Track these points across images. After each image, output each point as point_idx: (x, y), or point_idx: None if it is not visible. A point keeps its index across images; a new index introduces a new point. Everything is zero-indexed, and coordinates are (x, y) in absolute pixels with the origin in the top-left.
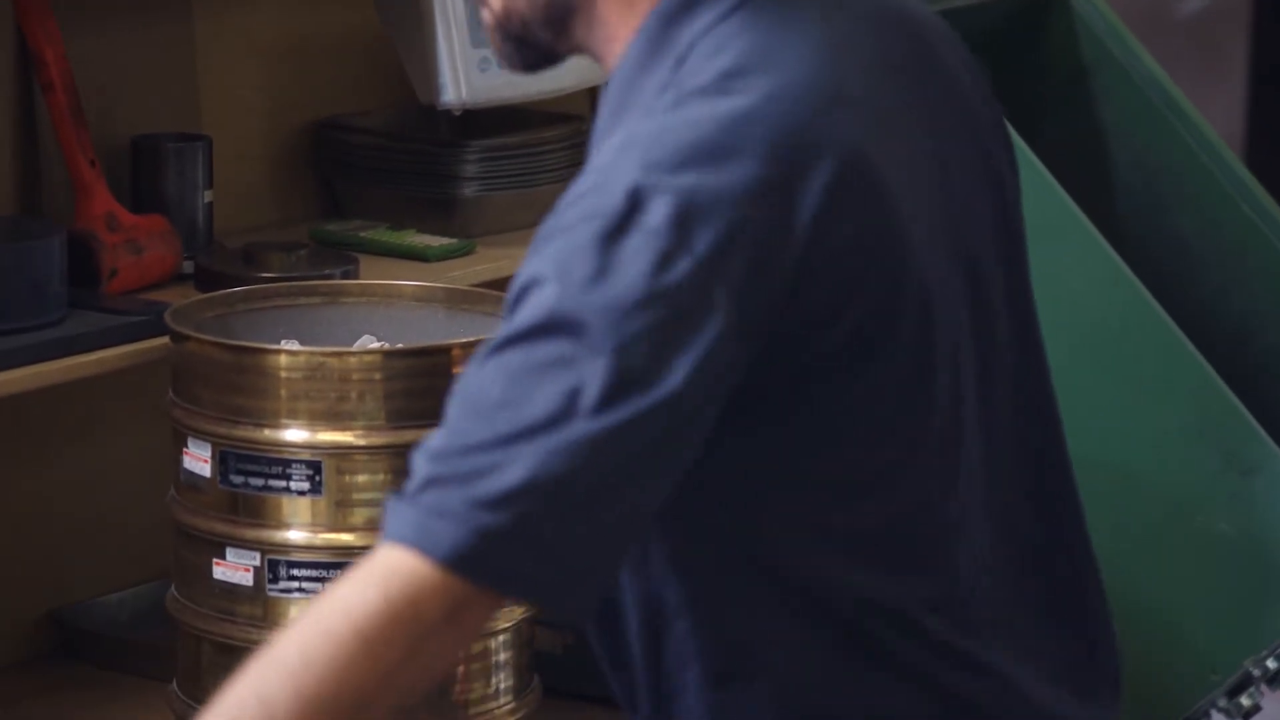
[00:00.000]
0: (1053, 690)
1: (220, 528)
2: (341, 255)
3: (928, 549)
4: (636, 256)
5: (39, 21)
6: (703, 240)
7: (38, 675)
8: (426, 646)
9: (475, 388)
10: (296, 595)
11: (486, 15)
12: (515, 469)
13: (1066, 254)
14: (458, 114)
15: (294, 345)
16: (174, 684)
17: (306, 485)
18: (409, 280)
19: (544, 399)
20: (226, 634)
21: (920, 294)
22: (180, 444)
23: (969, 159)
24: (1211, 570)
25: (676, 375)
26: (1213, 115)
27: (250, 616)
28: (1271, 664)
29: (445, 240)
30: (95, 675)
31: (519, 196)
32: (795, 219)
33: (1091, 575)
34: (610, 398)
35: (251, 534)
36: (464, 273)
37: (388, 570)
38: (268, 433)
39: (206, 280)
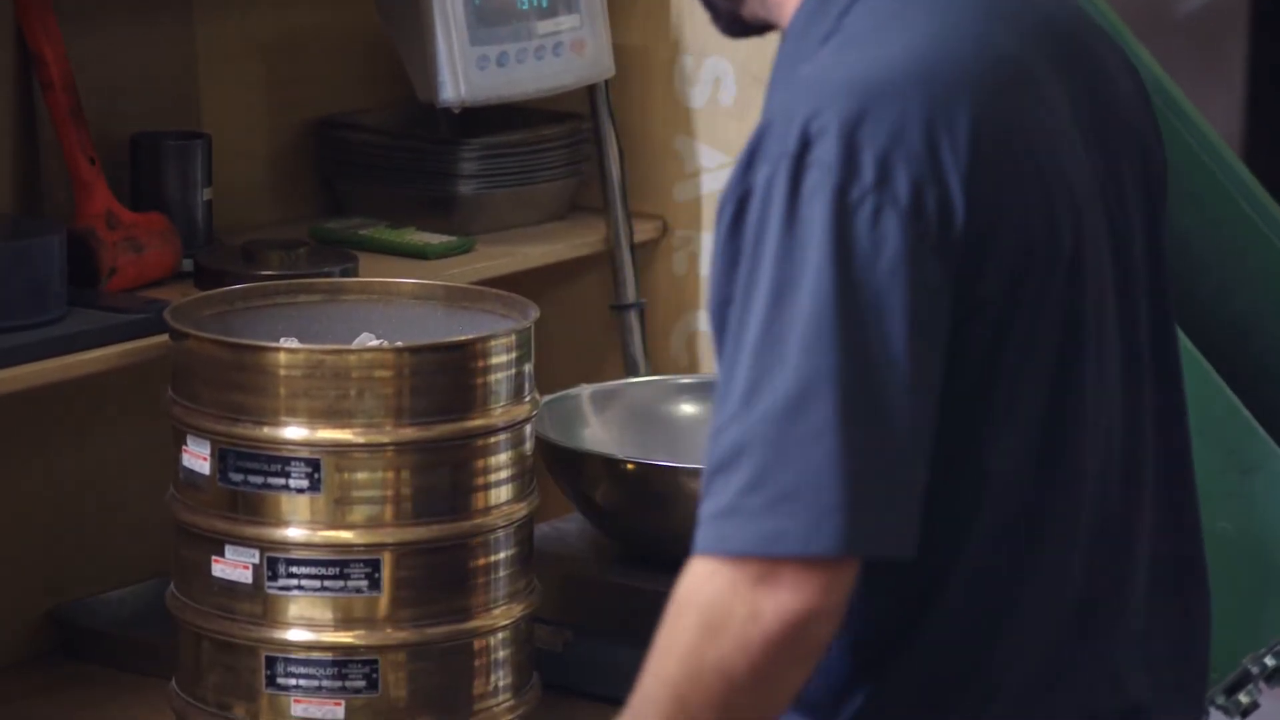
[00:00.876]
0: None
1: (219, 525)
2: (341, 253)
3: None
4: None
5: (39, 20)
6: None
7: (38, 673)
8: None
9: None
10: (295, 593)
11: None
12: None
13: None
14: (457, 112)
15: (293, 343)
16: (174, 682)
17: (305, 483)
18: (408, 278)
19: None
20: (226, 631)
21: (1065, 246)
22: (180, 442)
23: (1115, 128)
24: (1210, 568)
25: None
26: (1212, 114)
27: (250, 614)
28: (1270, 661)
29: (444, 238)
30: (95, 673)
31: (518, 194)
32: (943, 159)
33: (1202, 566)
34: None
35: (251, 531)
36: (463, 270)
37: None
38: (267, 430)
39: (206, 278)
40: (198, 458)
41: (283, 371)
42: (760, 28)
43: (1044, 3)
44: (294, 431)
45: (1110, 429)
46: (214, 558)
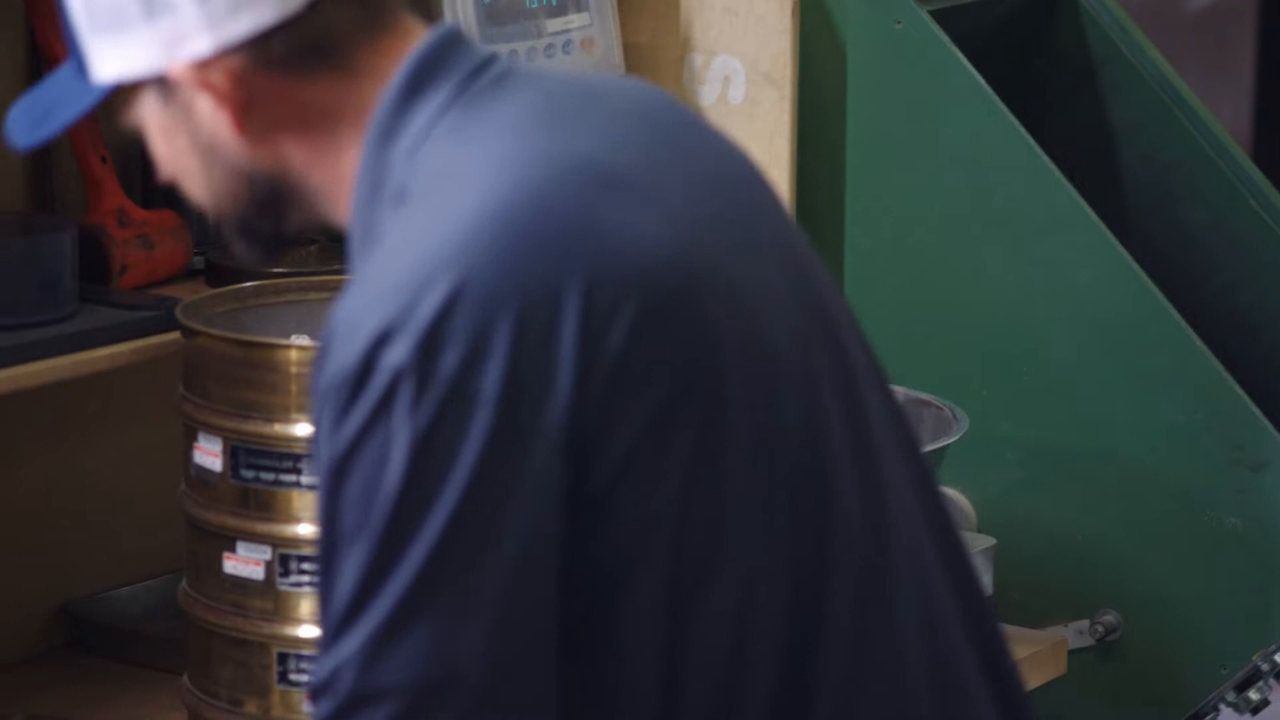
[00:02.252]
0: None
1: (231, 522)
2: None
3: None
4: None
5: (49, 17)
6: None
7: (50, 668)
8: None
9: None
10: (307, 589)
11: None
12: None
13: (1074, 249)
14: None
15: (304, 340)
16: (185, 677)
17: (317, 480)
18: None
19: None
20: (237, 628)
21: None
22: (191, 439)
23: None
24: (1220, 565)
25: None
26: (1220, 111)
27: (261, 610)
28: None
29: None
30: (107, 668)
31: None
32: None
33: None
34: None
35: (262, 528)
36: None
37: None
38: (278, 427)
39: (217, 275)
40: (209, 454)
41: (294, 369)
42: (294, 243)
43: (622, 94)
44: (306, 428)
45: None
46: (225, 554)
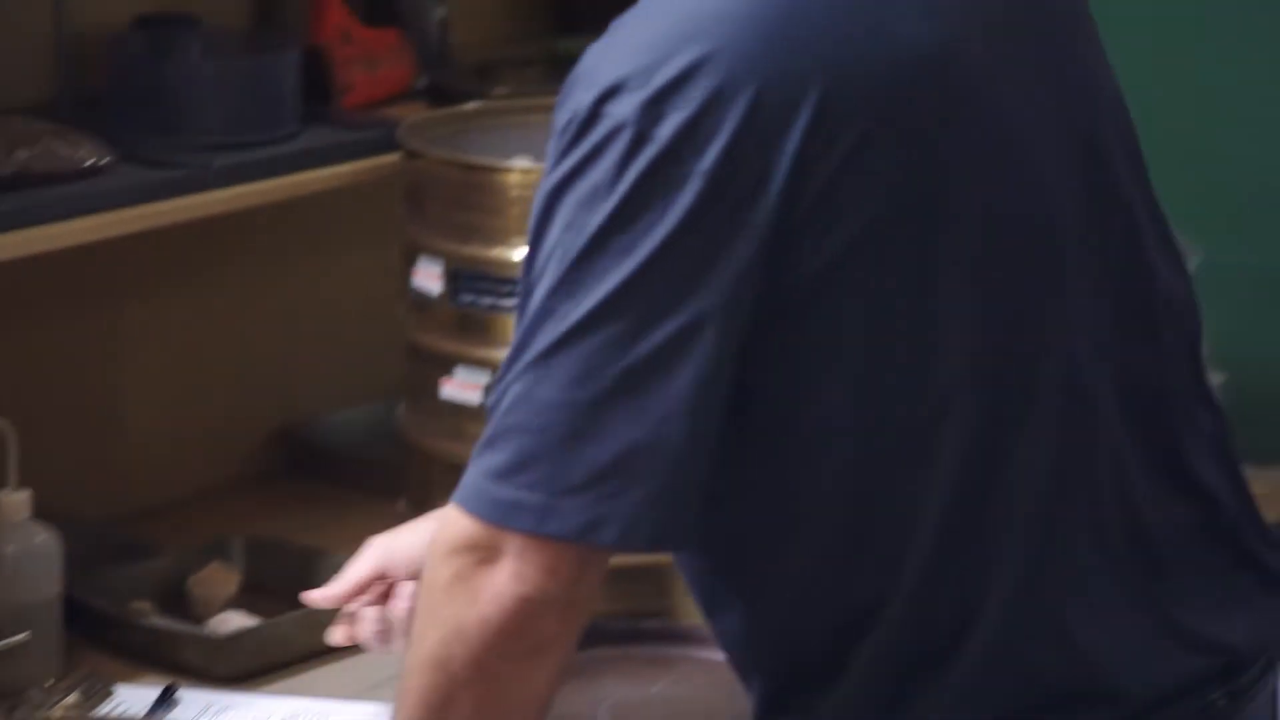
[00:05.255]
0: None
1: (450, 346)
2: None
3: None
4: None
5: None
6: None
7: (267, 490)
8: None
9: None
10: None
11: None
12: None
13: None
14: None
15: (526, 163)
16: (402, 502)
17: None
18: None
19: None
20: (455, 452)
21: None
22: (411, 261)
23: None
24: None
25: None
26: None
27: (478, 435)
28: None
29: None
30: (324, 492)
31: None
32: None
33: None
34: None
35: (480, 353)
36: None
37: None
38: (498, 251)
39: (440, 96)
40: (430, 278)
41: (515, 191)
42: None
43: None
44: (525, 252)
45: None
46: (444, 379)
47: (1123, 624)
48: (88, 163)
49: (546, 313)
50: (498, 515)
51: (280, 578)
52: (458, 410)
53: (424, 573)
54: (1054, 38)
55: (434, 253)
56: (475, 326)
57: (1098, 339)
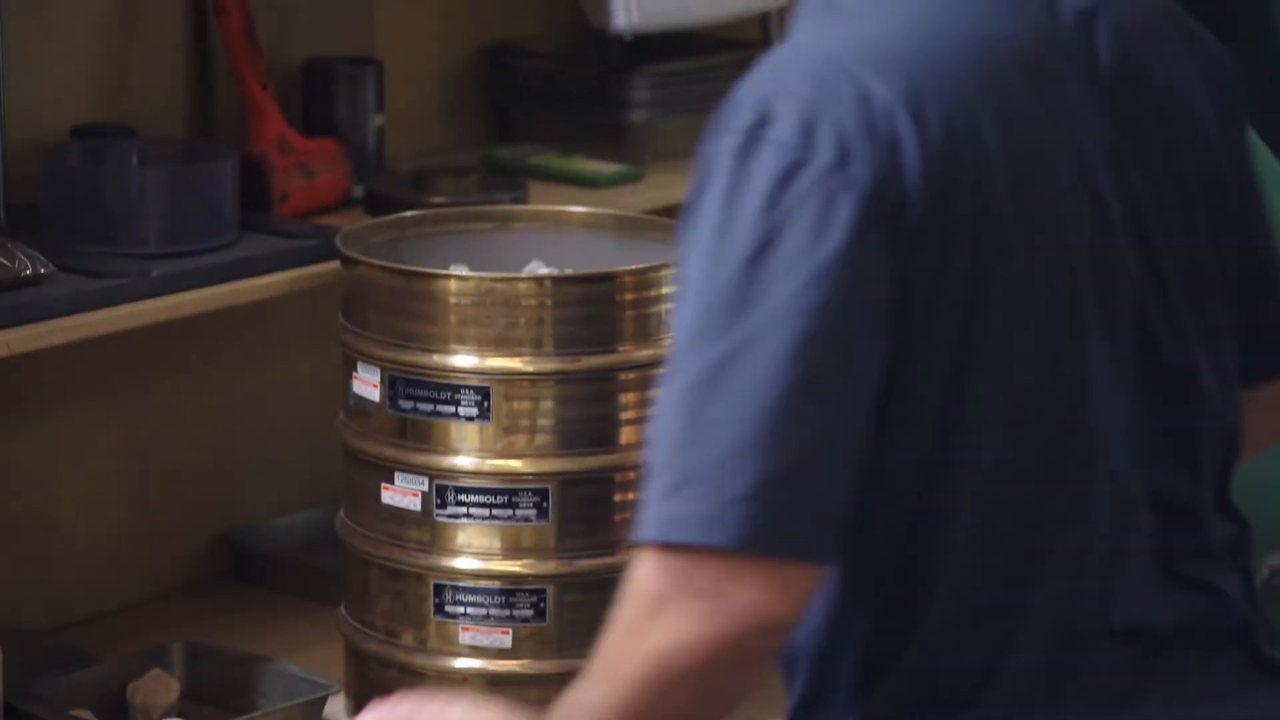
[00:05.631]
0: None
1: (389, 452)
2: (511, 180)
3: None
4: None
5: None
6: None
7: (207, 597)
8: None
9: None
10: (464, 520)
11: None
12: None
13: None
14: (628, 39)
15: (463, 270)
16: (342, 607)
17: (475, 411)
18: (578, 206)
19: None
20: (394, 558)
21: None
22: (350, 368)
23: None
24: None
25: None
26: None
27: (418, 541)
28: None
29: (615, 166)
30: (264, 598)
31: (689, 123)
32: (904, 150)
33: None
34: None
35: (420, 459)
36: (634, 199)
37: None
38: (437, 358)
39: (377, 205)
40: (368, 384)
41: (453, 299)
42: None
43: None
44: (464, 359)
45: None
46: (383, 485)
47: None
48: (26, 272)
49: (700, 335)
50: (665, 534)
51: (221, 685)
52: (398, 516)
53: (621, 608)
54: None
55: (372, 359)
56: (414, 433)
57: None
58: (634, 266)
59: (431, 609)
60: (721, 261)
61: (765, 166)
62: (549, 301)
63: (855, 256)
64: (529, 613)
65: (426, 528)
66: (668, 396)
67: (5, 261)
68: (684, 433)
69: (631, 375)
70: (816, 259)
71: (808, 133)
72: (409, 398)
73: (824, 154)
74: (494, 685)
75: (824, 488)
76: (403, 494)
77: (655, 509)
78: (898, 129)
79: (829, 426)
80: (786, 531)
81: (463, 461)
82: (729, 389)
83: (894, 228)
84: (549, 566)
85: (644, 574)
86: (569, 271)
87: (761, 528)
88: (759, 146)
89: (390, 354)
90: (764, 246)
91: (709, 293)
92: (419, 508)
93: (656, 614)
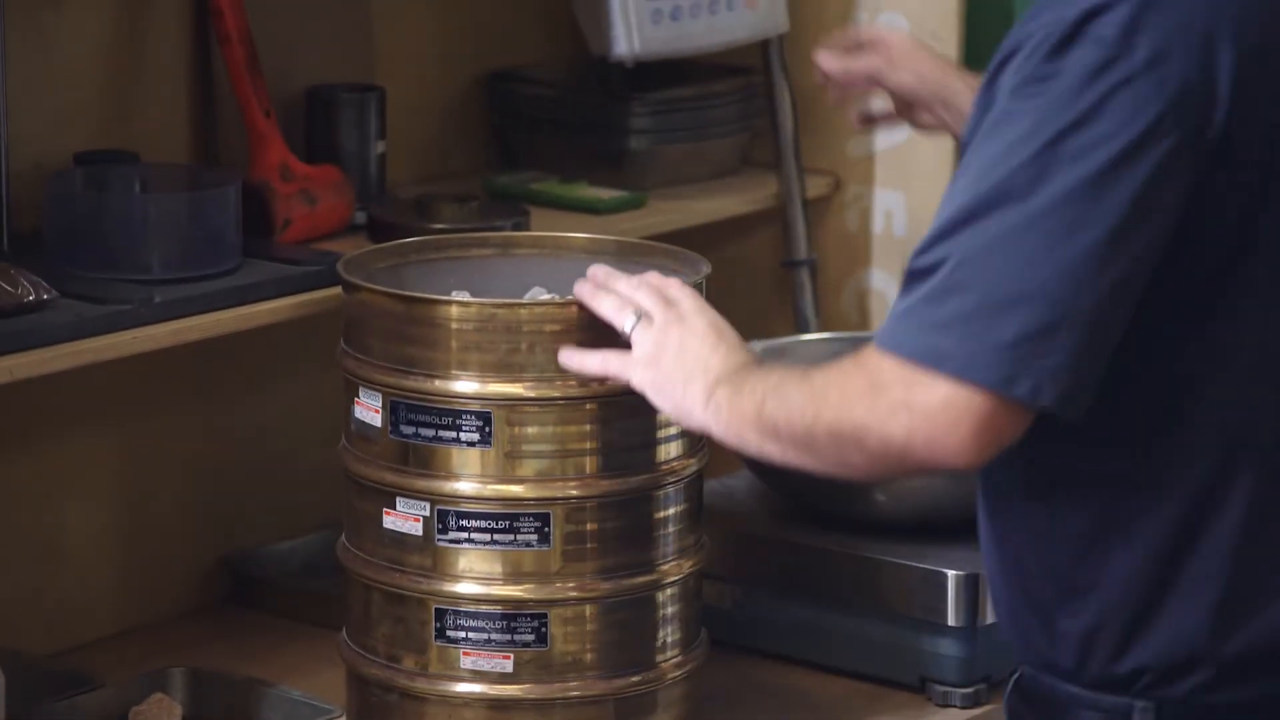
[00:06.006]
0: None
1: (390, 478)
2: (513, 207)
3: None
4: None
5: None
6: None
7: (209, 621)
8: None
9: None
10: (465, 545)
11: None
12: None
13: None
14: (630, 66)
15: (465, 296)
16: (344, 632)
17: (476, 436)
18: (580, 232)
19: None
20: (395, 583)
21: None
22: (352, 394)
23: None
24: None
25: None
26: None
27: (419, 566)
28: None
29: (615, 193)
30: (266, 622)
31: (690, 149)
32: (1219, 64)
33: None
34: None
35: (421, 484)
36: (634, 225)
37: None
38: (438, 384)
39: (379, 231)
40: (369, 410)
41: (454, 325)
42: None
43: None
44: (465, 385)
45: None
46: (385, 510)
47: None
48: (29, 298)
49: (1004, 195)
50: (931, 359)
51: (222, 709)
52: (399, 541)
53: (865, 368)
54: None
55: (374, 385)
56: (416, 458)
57: None
58: None
59: (433, 634)
60: (1036, 133)
61: (1086, 58)
62: (550, 327)
63: (1153, 153)
64: (530, 637)
65: (428, 553)
66: (952, 239)
67: (8, 287)
68: (962, 276)
69: (632, 399)
70: (1115, 148)
71: (1129, 32)
72: (410, 423)
73: (1141, 52)
74: (495, 710)
75: (1079, 350)
76: (404, 519)
77: (921, 334)
78: (1215, 39)
79: (1098, 302)
80: (1044, 384)
81: (464, 487)
82: (1017, 250)
83: (1196, 132)
84: (550, 591)
85: (886, 365)
86: (570, 297)
87: (1019, 377)
88: (1081, 39)
89: (392, 379)
90: (1070, 129)
91: (1017, 161)
92: (420, 533)
93: (875, 397)
